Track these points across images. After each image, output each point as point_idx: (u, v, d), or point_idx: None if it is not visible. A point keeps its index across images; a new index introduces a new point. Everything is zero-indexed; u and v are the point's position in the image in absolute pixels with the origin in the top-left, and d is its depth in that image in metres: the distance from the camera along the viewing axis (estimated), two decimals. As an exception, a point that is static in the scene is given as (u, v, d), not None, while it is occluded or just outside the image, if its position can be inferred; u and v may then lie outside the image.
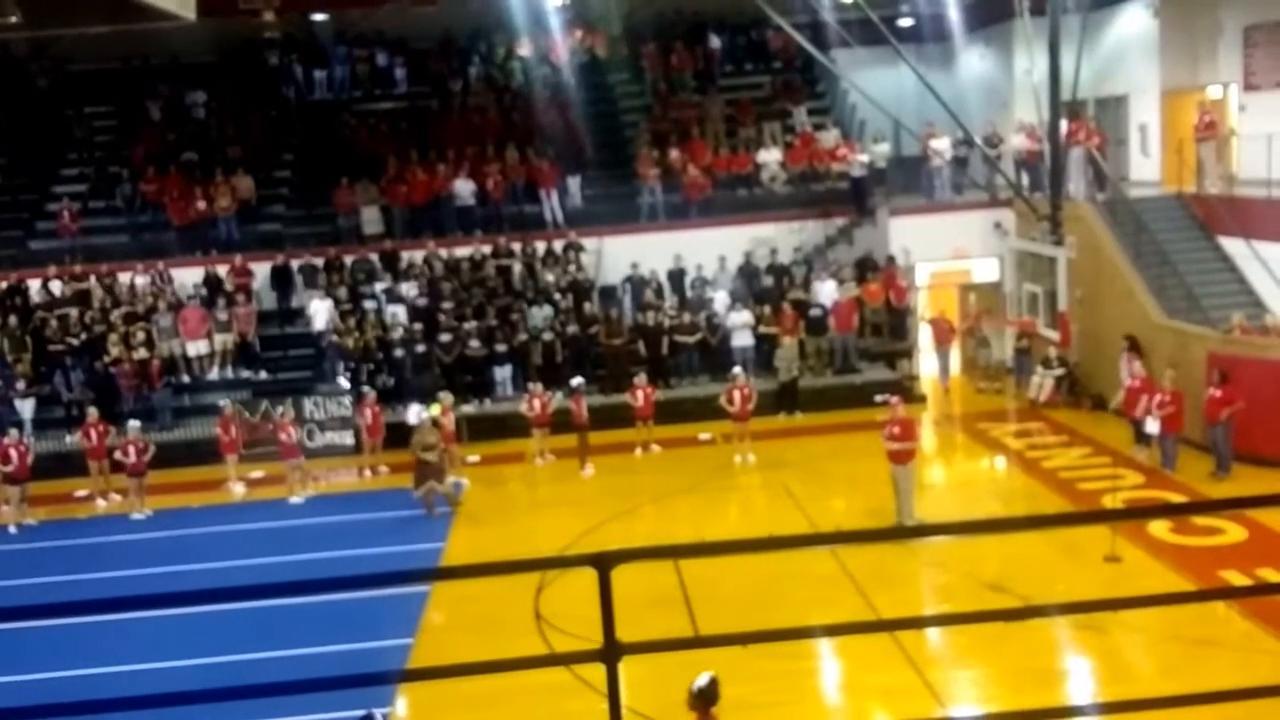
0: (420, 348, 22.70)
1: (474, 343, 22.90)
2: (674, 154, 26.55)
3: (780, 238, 25.67)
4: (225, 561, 15.92)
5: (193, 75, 29.34)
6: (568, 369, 22.19)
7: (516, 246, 25.44)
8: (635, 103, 29.47)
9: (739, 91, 29.47)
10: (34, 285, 24.55)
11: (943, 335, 24.22)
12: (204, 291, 24.40)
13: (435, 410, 20.32)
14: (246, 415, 21.28)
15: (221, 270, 24.88)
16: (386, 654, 12.39)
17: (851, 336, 23.74)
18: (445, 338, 22.90)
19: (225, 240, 25.81)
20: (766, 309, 23.60)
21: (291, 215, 27.33)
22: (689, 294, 24.65)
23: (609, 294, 25.06)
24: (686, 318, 23.55)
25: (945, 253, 24.72)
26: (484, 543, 16.31)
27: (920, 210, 25.43)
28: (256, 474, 20.44)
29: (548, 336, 23.08)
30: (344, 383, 22.29)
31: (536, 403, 20.45)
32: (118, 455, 19.22)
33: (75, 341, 22.94)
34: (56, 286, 24.52)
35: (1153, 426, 17.55)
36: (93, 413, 19.89)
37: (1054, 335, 22.37)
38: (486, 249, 25.36)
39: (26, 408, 22.04)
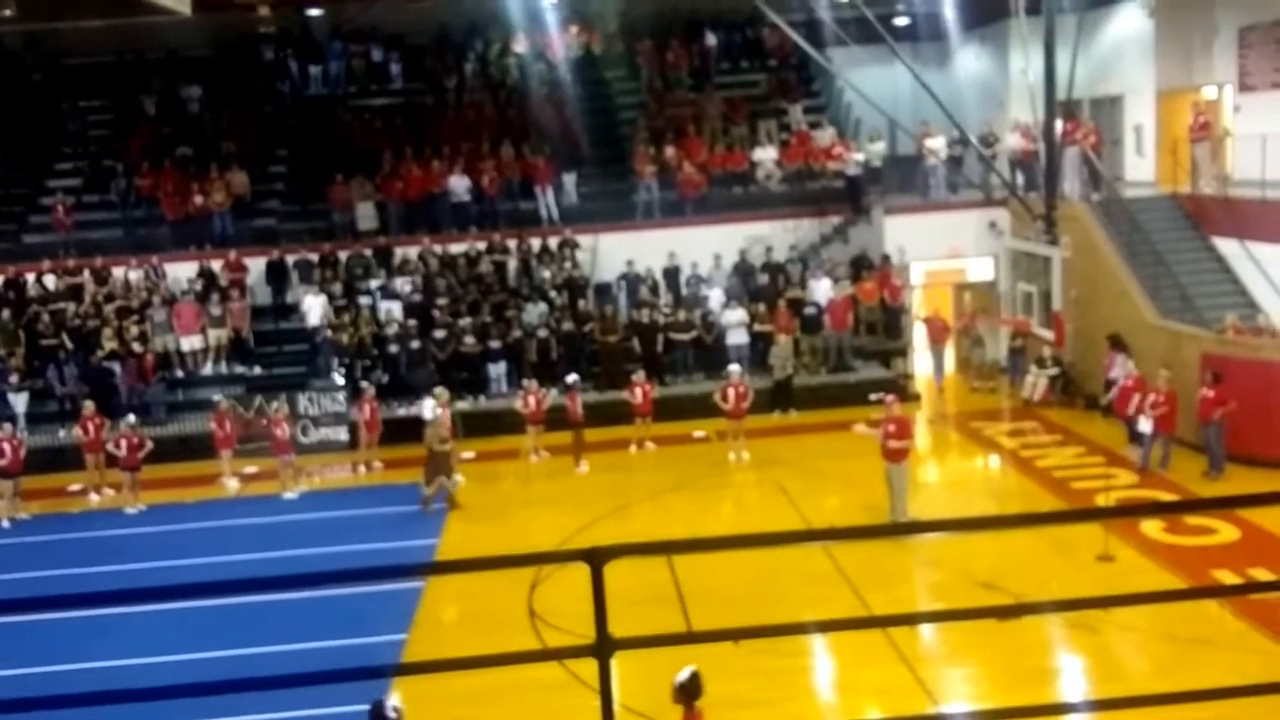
0: (415, 344, 22.69)
1: (469, 339, 22.89)
2: (669, 151, 26.55)
3: (775, 236, 25.70)
4: (219, 557, 15.89)
5: (188, 70, 29.30)
6: (562, 366, 22.18)
7: (512, 243, 25.43)
8: (631, 100, 29.46)
9: (735, 89, 29.49)
10: (28, 279, 24.50)
11: (937, 334, 24.24)
12: (198, 286, 24.35)
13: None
14: (241, 411, 21.26)
15: (216, 265, 24.85)
16: (380, 650, 12.38)
17: (846, 335, 23.77)
18: (440, 334, 22.89)
19: (220, 235, 25.76)
20: (761, 307, 23.63)
21: (286, 210, 27.30)
22: (684, 291, 24.67)
23: (604, 291, 25.07)
24: (681, 315, 23.56)
25: (940, 252, 24.75)
26: (478, 539, 16.30)
27: (915, 209, 25.45)
28: (250, 469, 20.44)
29: (543, 333, 23.08)
30: (338, 378, 22.28)
31: (531, 399, 20.45)
32: (110, 449, 19.21)
33: (69, 336, 22.90)
34: (50, 280, 24.49)
35: (1145, 426, 17.60)
36: (89, 406, 19.86)
37: (1048, 335, 22.43)
38: (482, 245, 25.35)
39: (20, 402, 22.00)
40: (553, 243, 25.37)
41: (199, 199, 25.73)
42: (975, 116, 26.10)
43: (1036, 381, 22.13)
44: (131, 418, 19.71)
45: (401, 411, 21.74)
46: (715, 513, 17.43)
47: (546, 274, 24.58)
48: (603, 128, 28.37)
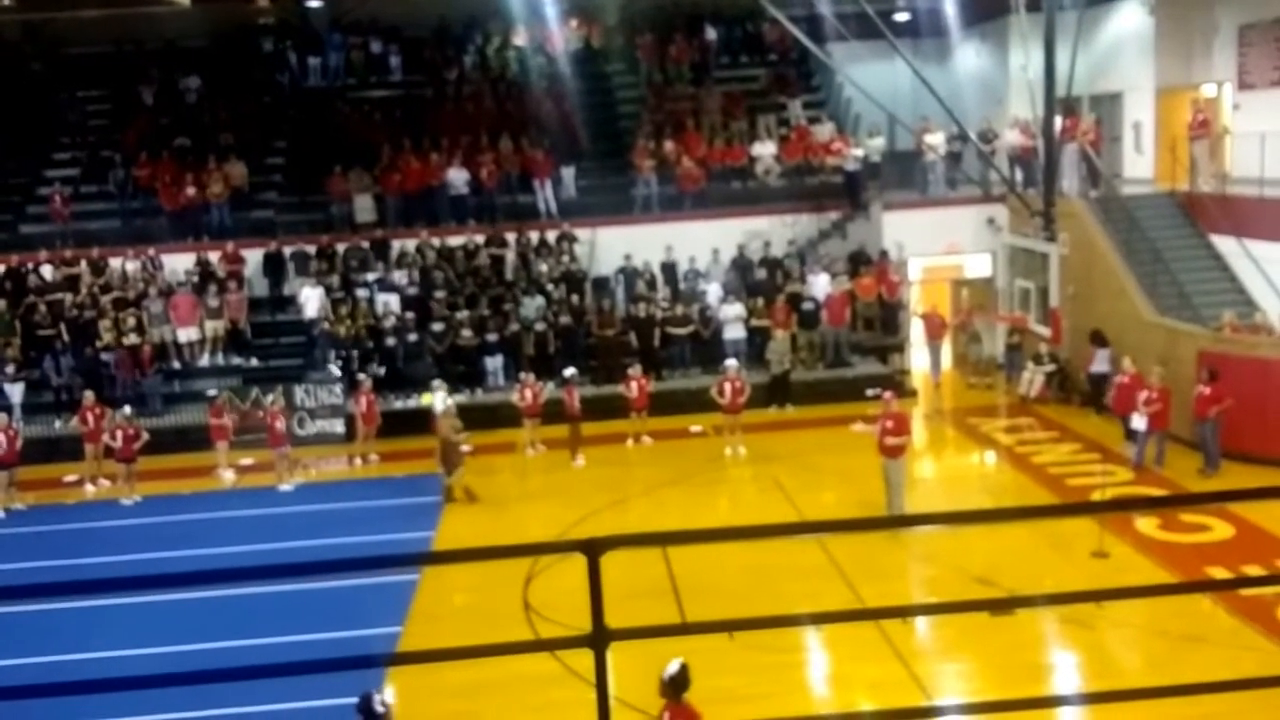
0: (412, 336, 22.69)
1: (466, 332, 22.88)
2: (669, 146, 26.53)
3: (774, 231, 25.72)
4: (214, 548, 15.89)
5: (186, 60, 29.24)
6: (560, 359, 22.18)
7: (510, 236, 25.40)
8: (630, 94, 29.44)
9: (734, 84, 29.46)
10: (26, 269, 24.44)
11: (934, 330, 24.27)
12: (195, 278, 24.33)
13: (428, 399, 20.33)
14: (237, 403, 21.25)
15: (213, 256, 24.82)
16: (375, 641, 12.39)
17: (844, 330, 23.77)
18: (437, 327, 22.88)
19: (217, 226, 25.73)
20: (759, 302, 23.63)
21: (284, 202, 27.26)
22: (682, 286, 24.67)
23: (602, 285, 25.05)
24: (679, 310, 23.56)
25: (938, 248, 24.75)
26: (474, 532, 16.31)
27: (914, 205, 25.44)
28: (247, 461, 20.43)
29: (540, 327, 23.08)
30: (335, 371, 22.27)
31: (528, 393, 20.45)
32: (106, 439, 19.21)
33: (66, 327, 22.88)
34: (47, 271, 24.46)
35: (1139, 423, 17.62)
36: (89, 396, 19.85)
37: (1045, 331, 22.41)
38: (480, 238, 25.31)
39: (15, 392, 21.98)
40: (551, 236, 25.36)
41: (196, 190, 25.65)
42: (975, 113, 26.09)
43: (1033, 378, 22.16)
44: (127, 409, 19.70)
45: (399, 404, 21.75)
46: (711, 507, 17.44)
47: (544, 267, 24.57)
48: (602, 121, 28.34)
